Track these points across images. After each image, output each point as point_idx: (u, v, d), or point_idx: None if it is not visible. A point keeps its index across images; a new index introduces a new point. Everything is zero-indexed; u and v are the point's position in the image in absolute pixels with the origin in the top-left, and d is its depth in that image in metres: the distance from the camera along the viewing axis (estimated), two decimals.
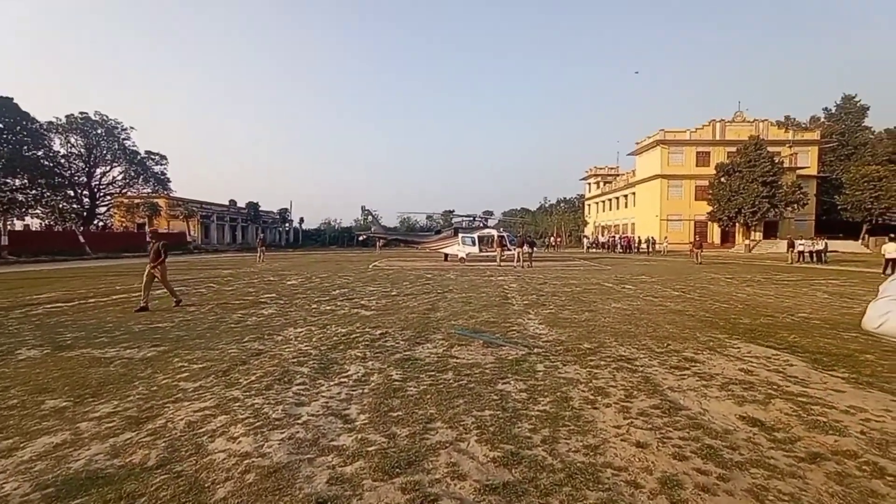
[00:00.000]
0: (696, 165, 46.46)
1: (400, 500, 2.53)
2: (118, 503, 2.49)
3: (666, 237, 43.44)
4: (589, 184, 72.74)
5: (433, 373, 4.84)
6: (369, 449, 3.10)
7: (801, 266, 23.40)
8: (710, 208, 42.86)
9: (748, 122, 46.22)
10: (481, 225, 27.98)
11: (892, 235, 28.39)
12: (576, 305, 9.58)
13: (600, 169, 69.91)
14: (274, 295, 11.47)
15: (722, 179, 40.80)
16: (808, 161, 46.17)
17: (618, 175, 64.24)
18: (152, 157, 45.73)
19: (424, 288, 12.95)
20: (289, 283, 14.66)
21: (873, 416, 3.74)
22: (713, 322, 7.73)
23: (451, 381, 4.55)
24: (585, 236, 56.89)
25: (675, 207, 46.96)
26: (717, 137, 46.26)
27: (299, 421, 3.58)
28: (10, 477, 2.76)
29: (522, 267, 20.95)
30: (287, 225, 67.78)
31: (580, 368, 5.02)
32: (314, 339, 6.43)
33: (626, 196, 56.68)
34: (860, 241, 40.68)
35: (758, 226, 41.66)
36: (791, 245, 26.62)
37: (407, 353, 5.68)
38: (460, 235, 25.76)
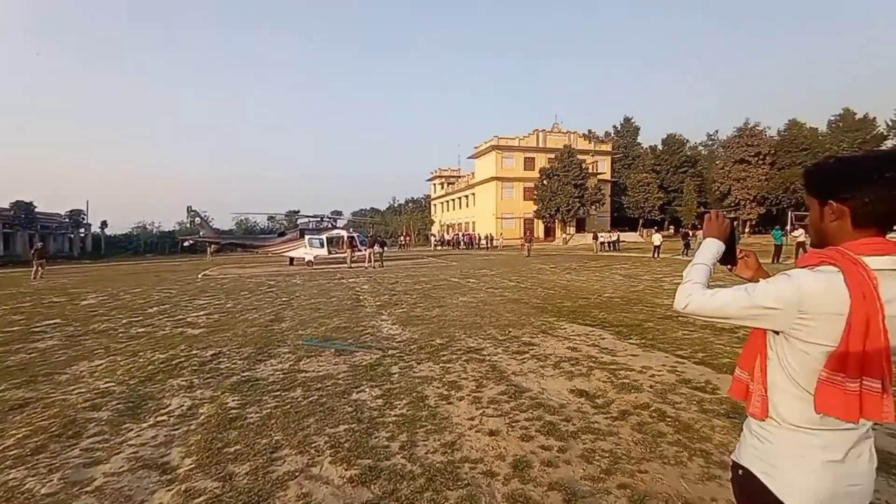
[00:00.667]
0: (525, 169, 52.85)
1: None
2: None
3: (501, 233, 48.37)
4: (434, 184, 76.48)
5: (278, 392, 4.34)
6: (197, 501, 2.56)
7: (603, 254, 28.58)
8: (535, 207, 49.24)
9: (563, 132, 54.50)
10: (330, 226, 26.84)
11: (657, 229, 37.34)
12: (427, 302, 9.84)
13: (444, 170, 74.10)
14: (58, 321, 8.96)
15: (544, 182, 47.24)
16: (605, 168, 56.73)
17: (460, 176, 69.03)
18: None
19: (267, 297, 11.75)
20: (84, 303, 11.67)
21: (656, 371, 4.68)
22: (543, 307, 8.79)
23: (299, 400, 4.13)
24: (433, 234, 59.63)
25: (508, 207, 52.68)
26: (540, 145, 53.42)
27: (89, 488, 2.76)
28: None
29: (374, 267, 20.80)
30: (83, 230, 54.42)
31: (434, 365, 5.11)
32: (120, 372, 5.17)
33: (467, 196, 61.27)
34: (638, 233, 51.82)
35: (571, 222, 49.45)
36: (595, 237, 32.40)
37: (246, 374, 4.99)
38: (307, 237, 24.25)
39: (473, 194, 58.47)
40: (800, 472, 1.10)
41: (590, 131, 58.31)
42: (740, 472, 1.22)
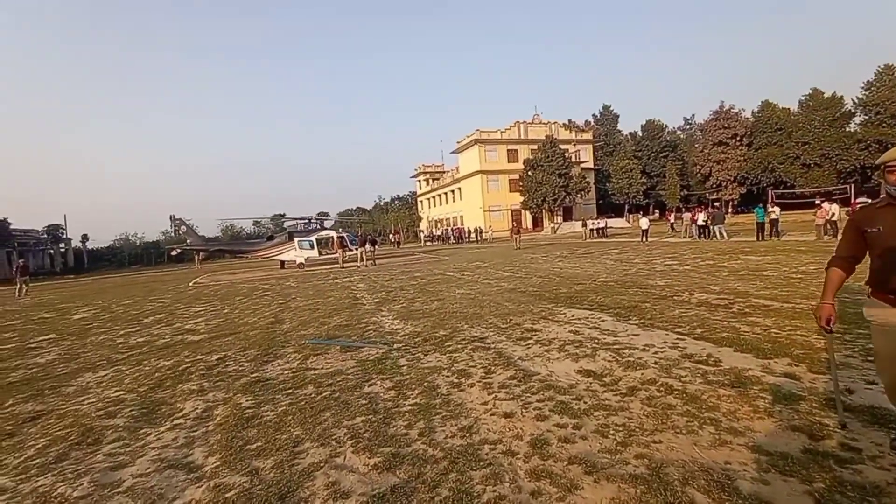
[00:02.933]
0: (508, 161, 53.10)
1: None
2: None
3: (490, 226, 48.60)
4: (419, 181, 76.33)
5: (290, 391, 4.38)
6: (228, 495, 2.61)
7: (592, 241, 28.92)
8: (521, 198, 49.54)
9: (543, 123, 54.79)
10: (317, 227, 26.71)
11: (643, 213, 37.98)
12: (424, 297, 9.92)
13: (428, 167, 73.91)
14: (53, 335, 8.84)
15: (529, 173, 47.55)
16: (587, 156, 57.28)
17: (444, 172, 68.98)
18: None
19: (263, 300, 11.70)
20: (76, 316, 11.50)
21: (659, 348, 4.81)
22: (541, 294, 8.93)
23: (312, 396, 4.18)
24: (421, 231, 59.63)
25: (495, 199, 52.90)
26: (522, 136, 53.67)
27: (120, 488, 2.80)
28: None
29: (366, 266, 20.80)
30: (62, 245, 53.25)
31: (441, 355, 5.19)
32: (127, 381, 5.16)
33: (453, 191, 61.32)
34: (624, 218, 52.52)
35: (558, 211, 49.95)
36: (584, 224, 32.75)
37: (255, 374, 5.02)
38: (296, 240, 24.12)
39: (459, 189, 58.53)
40: None
41: (570, 121, 58.78)
42: None
